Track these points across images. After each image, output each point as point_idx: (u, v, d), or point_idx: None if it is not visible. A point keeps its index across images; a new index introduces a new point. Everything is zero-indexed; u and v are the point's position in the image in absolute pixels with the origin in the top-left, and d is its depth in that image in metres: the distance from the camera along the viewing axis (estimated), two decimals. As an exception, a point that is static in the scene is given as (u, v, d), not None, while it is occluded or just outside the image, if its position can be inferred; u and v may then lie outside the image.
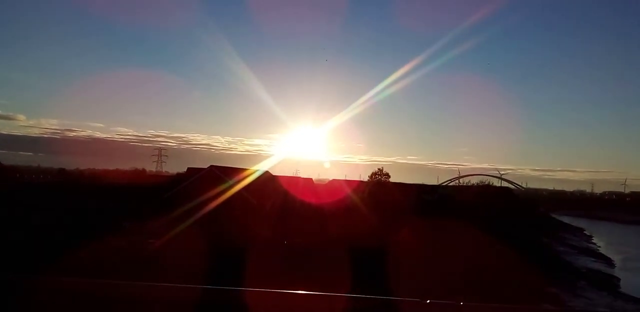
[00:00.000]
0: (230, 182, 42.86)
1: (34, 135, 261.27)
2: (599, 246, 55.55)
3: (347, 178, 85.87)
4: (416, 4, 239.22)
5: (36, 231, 32.34)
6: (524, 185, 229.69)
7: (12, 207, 41.13)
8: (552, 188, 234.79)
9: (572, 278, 32.01)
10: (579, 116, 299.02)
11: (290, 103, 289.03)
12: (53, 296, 2.97)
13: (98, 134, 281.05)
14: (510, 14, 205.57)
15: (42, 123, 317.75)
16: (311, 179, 61.69)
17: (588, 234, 70.81)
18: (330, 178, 71.37)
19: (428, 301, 2.24)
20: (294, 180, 56.77)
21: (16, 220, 35.72)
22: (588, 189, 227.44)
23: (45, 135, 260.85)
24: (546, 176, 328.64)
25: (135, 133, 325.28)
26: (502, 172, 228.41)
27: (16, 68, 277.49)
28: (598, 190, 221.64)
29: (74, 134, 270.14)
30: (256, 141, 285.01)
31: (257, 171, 50.27)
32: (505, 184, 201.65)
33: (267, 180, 50.37)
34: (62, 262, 20.73)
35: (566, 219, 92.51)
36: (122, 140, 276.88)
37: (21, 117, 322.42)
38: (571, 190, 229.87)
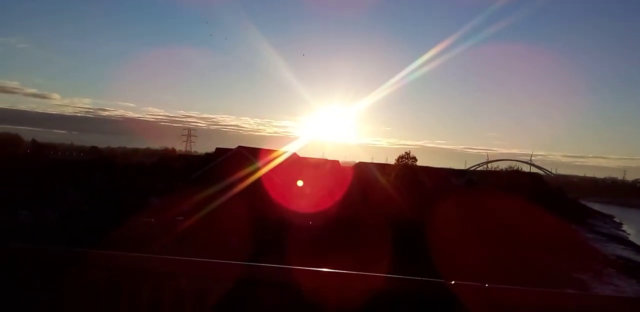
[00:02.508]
0: (258, 162, 43.19)
1: (68, 114, 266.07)
2: (629, 234, 54.66)
3: (374, 161, 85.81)
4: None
5: (70, 208, 33.26)
6: (554, 171, 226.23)
7: (47, 185, 42.20)
8: (583, 175, 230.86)
9: (600, 265, 31.66)
10: (615, 102, 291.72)
11: (319, 85, 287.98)
12: (84, 268, 3.10)
13: (130, 114, 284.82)
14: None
15: (75, 102, 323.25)
16: (338, 161, 61.59)
17: (618, 221, 69.69)
18: (357, 160, 71.31)
19: (453, 282, 2.26)
20: (321, 162, 56.86)
21: (52, 197, 36.70)
22: (620, 177, 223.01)
23: (79, 114, 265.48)
24: (578, 163, 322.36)
25: (166, 113, 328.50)
26: (532, 158, 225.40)
27: (51, 48, 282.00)
28: (630, 177, 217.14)
29: (107, 113, 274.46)
30: (284, 123, 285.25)
31: (284, 152, 50.51)
32: (534, 169, 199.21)
33: (294, 161, 50.59)
34: (91, 239, 21.31)
35: (596, 206, 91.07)
36: (153, 120, 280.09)
37: (56, 96, 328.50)
38: (603, 177, 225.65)
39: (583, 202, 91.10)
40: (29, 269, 3.18)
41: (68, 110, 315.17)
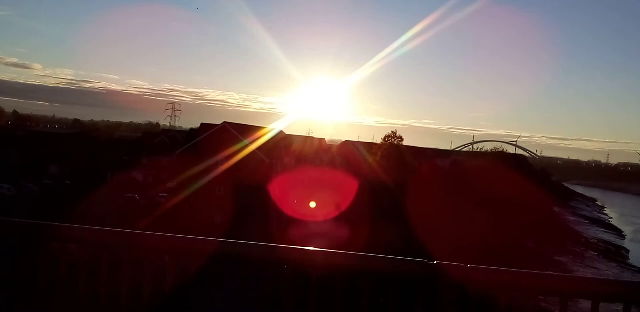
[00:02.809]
0: (244, 140, 42.65)
1: (50, 85, 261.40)
2: (611, 217, 55.35)
3: (360, 140, 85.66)
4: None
5: (53, 181, 32.75)
6: (539, 153, 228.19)
7: (29, 158, 41.51)
8: (567, 157, 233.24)
9: (581, 248, 31.99)
10: (600, 85, 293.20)
11: (306, 61, 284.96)
12: (59, 243, 2.95)
13: (113, 86, 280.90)
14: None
15: (57, 73, 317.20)
16: (324, 139, 61.27)
17: (600, 204, 70.53)
18: (343, 139, 70.98)
19: (435, 262, 2.17)
20: (307, 140, 56.50)
21: (34, 170, 36.11)
22: (604, 160, 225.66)
23: (61, 86, 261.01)
24: (562, 145, 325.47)
25: (151, 87, 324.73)
26: (518, 139, 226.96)
27: (35, 17, 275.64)
28: (613, 161, 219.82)
29: (90, 85, 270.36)
30: (270, 99, 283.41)
31: (271, 130, 49.99)
32: (520, 151, 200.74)
33: (281, 139, 50.18)
34: (74, 212, 20.98)
35: (579, 189, 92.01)
36: (137, 93, 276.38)
37: (37, 66, 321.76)
38: (586, 160, 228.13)
39: (567, 184, 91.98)
40: (5, 243, 3.02)
41: (50, 82, 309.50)
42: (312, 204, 32.79)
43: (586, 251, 31.53)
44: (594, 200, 75.65)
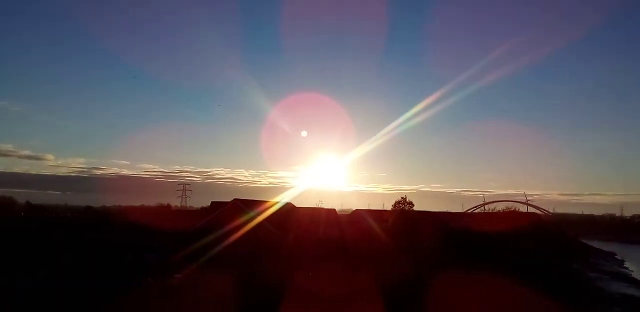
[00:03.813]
0: (254, 214, 43.05)
1: (62, 175, 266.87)
2: (632, 271, 54.01)
3: (371, 208, 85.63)
4: (443, 39, 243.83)
5: (66, 269, 32.75)
6: (551, 210, 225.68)
7: (42, 246, 41.77)
8: (580, 213, 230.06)
9: (605, 306, 31.17)
10: (607, 139, 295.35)
11: (314, 135, 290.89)
12: None
13: (124, 172, 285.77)
14: (532, 47, 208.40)
15: (69, 162, 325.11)
16: (334, 209, 61.43)
17: (620, 258, 68.99)
18: (354, 208, 71.15)
19: None
20: (317, 211, 56.67)
21: (47, 259, 36.21)
22: (618, 213, 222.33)
23: (73, 174, 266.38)
24: (574, 201, 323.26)
25: (161, 169, 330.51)
26: (529, 198, 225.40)
27: (46, 110, 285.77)
28: (628, 213, 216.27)
29: (101, 172, 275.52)
30: (280, 174, 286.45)
31: (279, 203, 50.45)
32: (532, 209, 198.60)
33: (290, 211, 50.43)
34: (92, 301, 21.02)
35: (596, 244, 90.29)
36: (148, 176, 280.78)
37: (50, 157, 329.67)
38: (600, 214, 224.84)
39: (583, 240, 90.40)
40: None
41: (62, 171, 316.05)
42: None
43: (611, 308, 30.73)
44: (612, 254, 74.10)
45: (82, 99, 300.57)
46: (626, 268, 57.39)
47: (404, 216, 48.88)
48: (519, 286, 28.20)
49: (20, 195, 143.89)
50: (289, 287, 25.60)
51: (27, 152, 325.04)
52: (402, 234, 43.13)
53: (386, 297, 24.34)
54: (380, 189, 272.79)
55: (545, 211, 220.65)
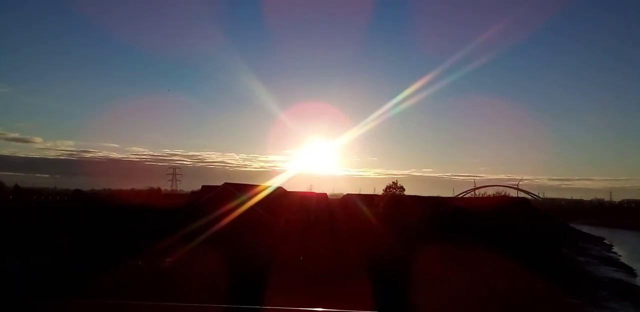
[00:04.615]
0: (244, 198, 42.93)
1: (51, 158, 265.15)
2: (620, 255, 54.57)
3: (362, 192, 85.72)
4: (431, 22, 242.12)
5: (57, 253, 32.59)
6: (541, 195, 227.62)
7: (32, 230, 41.49)
8: (570, 197, 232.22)
9: (593, 288, 31.46)
10: (596, 124, 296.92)
11: (305, 119, 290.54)
12: None
13: (114, 155, 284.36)
14: (520, 29, 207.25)
15: (58, 145, 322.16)
16: (325, 193, 61.44)
17: (608, 243, 69.70)
18: (345, 192, 71.22)
19: None
20: (308, 195, 56.67)
21: (38, 243, 36.00)
22: (606, 198, 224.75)
23: (62, 157, 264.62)
24: (564, 186, 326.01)
25: (151, 152, 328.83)
26: (519, 182, 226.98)
27: (33, 92, 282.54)
28: (617, 198, 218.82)
29: (90, 155, 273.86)
30: (271, 157, 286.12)
31: (270, 186, 50.32)
32: (522, 194, 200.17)
33: (281, 195, 50.35)
34: (82, 284, 20.88)
35: (585, 229, 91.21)
36: (138, 160, 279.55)
37: (38, 139, 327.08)
38: (589, 199, 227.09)
39: (572, 225, 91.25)
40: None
41: (51, 154, 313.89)
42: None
43: (599, 291, 31.01)
44: (601, 239, 74.86)
45: (71, 81, 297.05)
46: (614, 253, 57.99)
47: (394, 200, 48.92)
48: (503, 259, 28.57)
49: (8, 178, 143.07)
50: (279, 267, 25.67)
51: (14, 135, 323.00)
52: (392, 218, 43.21)
53: (373, 270, 24.82)
54: (371, 173, 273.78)
55: (535, 195, 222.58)
